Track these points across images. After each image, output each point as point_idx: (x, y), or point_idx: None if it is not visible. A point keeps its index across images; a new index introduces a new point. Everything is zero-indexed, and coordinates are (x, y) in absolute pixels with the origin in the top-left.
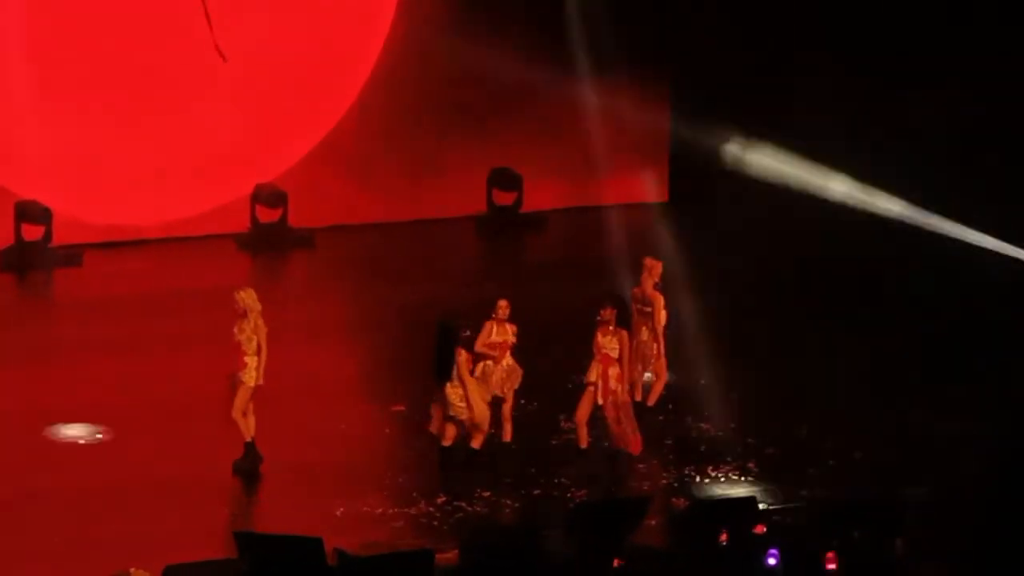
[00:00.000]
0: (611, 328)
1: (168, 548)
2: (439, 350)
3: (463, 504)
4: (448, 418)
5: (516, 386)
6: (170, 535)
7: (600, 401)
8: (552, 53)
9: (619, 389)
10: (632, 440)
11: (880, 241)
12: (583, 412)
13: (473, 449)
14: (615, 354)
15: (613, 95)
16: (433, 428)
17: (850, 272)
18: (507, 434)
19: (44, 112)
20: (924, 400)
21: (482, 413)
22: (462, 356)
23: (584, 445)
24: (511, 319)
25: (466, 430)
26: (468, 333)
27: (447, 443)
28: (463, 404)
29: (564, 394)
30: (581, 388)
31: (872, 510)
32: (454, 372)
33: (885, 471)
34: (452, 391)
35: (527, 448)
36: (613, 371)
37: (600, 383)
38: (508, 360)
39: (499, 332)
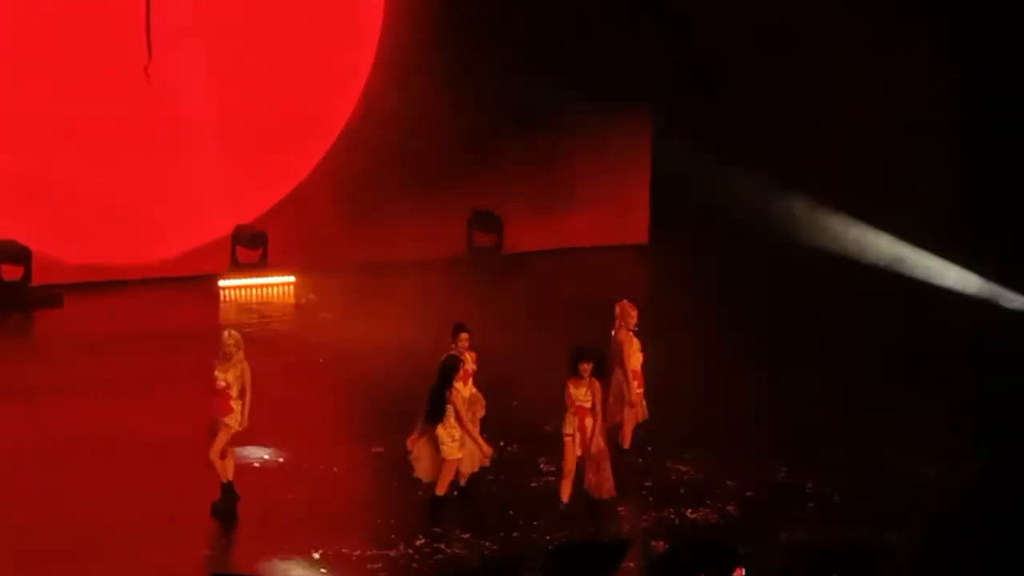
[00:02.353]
0: (584, 379)
1: None
2: (435, 389)
3: (442, 546)
4: (440, 459)
5: (481, 414)
6: None
7: (579, 452)
8: (532, 96)
9: (597, 439)
10: (606, 488)
11: (860, 283)
12: (570, 463)
13: (436, 495)
14: (588, 404)
15: (594, 137)
16: (420, 472)
17: (829, 314)
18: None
19: (22, 152)
20: (903, 443)
21: (454, 457)
22: (460, 396)
23: (566, 499)
24: (472, 348)
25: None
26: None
27: (439, 491)
28: (455, 444)
29: (543, 436)
30: (559, 431)
31: (851, 553)
32: (448, 411)
33: (864, 514)
34: (443, 431)
35: (506, 490)
36: (589, 422)
37: (577, 435)
38: (471, 388)
39: None
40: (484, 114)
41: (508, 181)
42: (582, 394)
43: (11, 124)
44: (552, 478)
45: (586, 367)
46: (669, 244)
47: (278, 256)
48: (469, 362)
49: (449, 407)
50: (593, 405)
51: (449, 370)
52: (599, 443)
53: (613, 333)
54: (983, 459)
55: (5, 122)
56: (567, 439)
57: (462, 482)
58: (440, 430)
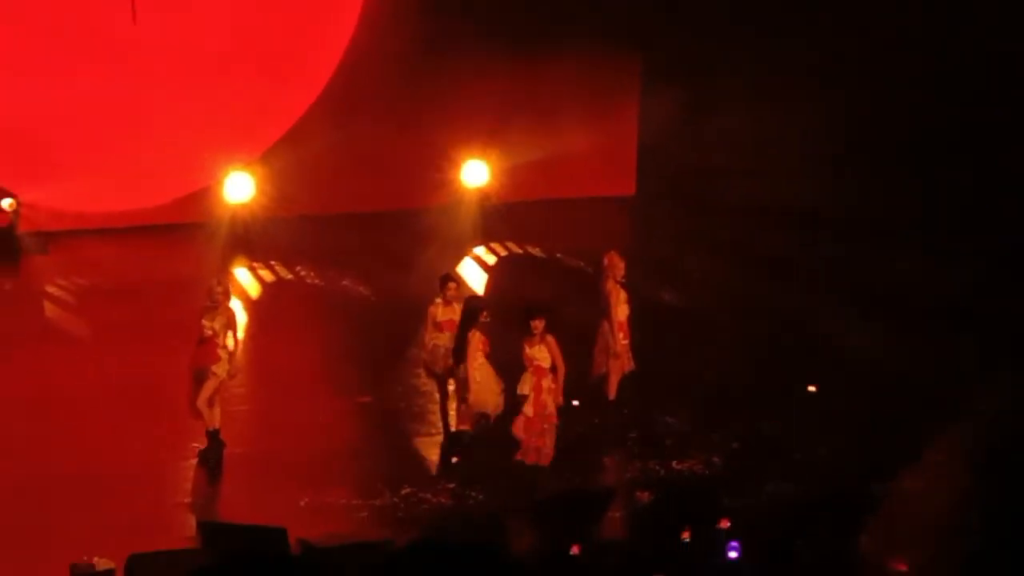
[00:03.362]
0: (538, 337)
1: (132, 537)
2: (461, 331)
3: (428, 495)
4: (463, 399)
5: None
6: (134, 524)
7: (530, 413)
8: (520, 44)
9: (550, 401)
10: (547, 455)
11: (846, 235)
12: (519, 428)
13: (461, 431)
14: (547, 364)
15: (582, 88)
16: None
17: (816, 267)
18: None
19: (8, 98)
20: (890, 396)
21: (480, 399)
22: (476, 338)
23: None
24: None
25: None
26: (487, 318)
27: (465, 426)
28: (477, 385)
29: None
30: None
31: (836, 505)
32: (469, 352)
33: (850, 466)
34: (467, 372)
35: (493, 439)
36: (546, 382)
37: (532, 395)
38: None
39: (445, 312)
40: (473, 62)
41: (496, 131)
42: (537, 352)
43: (1, 75)
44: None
45: (538, 324)
46: (656, 196)
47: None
48: (455, 314)
49: (470, 348)
50: (553, 363)
51: (473, 311)
52: (551, 405)
53: (600, 284)
54: (972, 415)
55: None
56: (523, 399)
57: (491, 421)
58: (464, 370)
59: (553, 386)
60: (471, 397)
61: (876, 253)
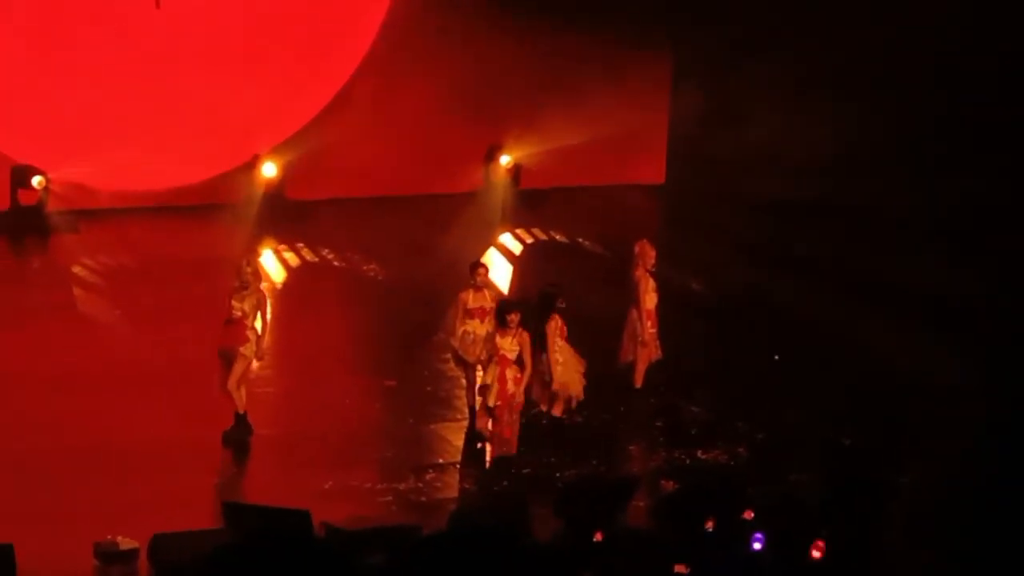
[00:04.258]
0: (513, 330)
1: (156, 517)
2: (538, 319)
3: (452, 481)
4: (546, 385)
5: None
6: (158, 504)
7: (494, 403)
8: (551, 29)
9: (516, 392)
10: (513, 443)
11: (874, 233)
12: (483, 421)
13: (554, 416)
14: (513, 356)
15: (614, 75)
16: (535, 396)
17: (843, 263)
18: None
19: (42, 78)
20: (912, 389)
21: (561, 382)
22: (555, 323)
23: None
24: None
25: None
26: (563, 304)
27: (556, 412)
28: (558, 368)
29: None
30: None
31: (860, 496)
32: (548, 338)
33: (874, 457)
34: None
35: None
36: (511, 373)
37: (496, 385)
38: (488, 327)
39: (476, 298)
40: (504, 47)
41: (526, 116)
42: (507, 344)
43: (33, 51)
44: (566, 419)
45: (513, 318)
46: (685, 185)
47: (295, 187)
48: (487, 300)
49: (548, 334)
50: (520, 357)
51: (549, 297)
52: (517, 396)
53: (630, 272)
54: (992, 403)
55: (27, 49)
56: (486, 389)
57: (573, 405)
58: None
59: (519, 375)
60: (556, 381)
61: (905, 252)
